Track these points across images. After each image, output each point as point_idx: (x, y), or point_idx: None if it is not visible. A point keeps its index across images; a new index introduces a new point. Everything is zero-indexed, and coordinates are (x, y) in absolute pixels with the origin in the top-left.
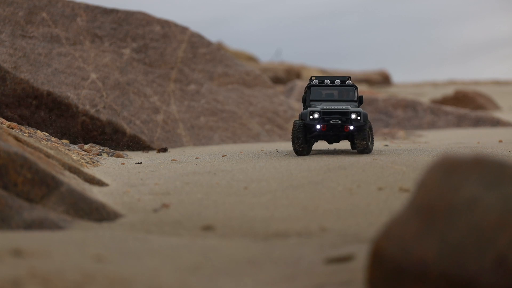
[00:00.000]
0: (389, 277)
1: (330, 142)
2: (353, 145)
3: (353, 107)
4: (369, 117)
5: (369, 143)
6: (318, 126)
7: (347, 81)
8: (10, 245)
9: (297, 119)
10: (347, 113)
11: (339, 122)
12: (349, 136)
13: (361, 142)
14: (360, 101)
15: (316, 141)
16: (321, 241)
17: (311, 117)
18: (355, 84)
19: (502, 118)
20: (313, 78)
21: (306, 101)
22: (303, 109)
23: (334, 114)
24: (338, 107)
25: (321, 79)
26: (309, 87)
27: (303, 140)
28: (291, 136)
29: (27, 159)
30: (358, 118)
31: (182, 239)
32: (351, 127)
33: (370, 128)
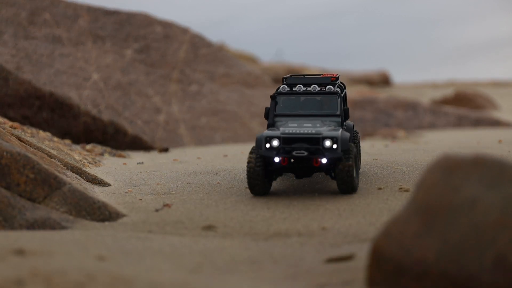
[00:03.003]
0: (389, 276)
1: (298, 177)
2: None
3: (330, 127)
4: (366, 123)
5: (354, 178)
6: (276, 159)
7: (327, 86)
8: (12, 244)
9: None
10: (317, 140)
11: (306, 153)
12: (323, 170)
13: (341, 180)
14: (344, 114)
15: (280, 175)
16: (321, 241)
17: (267, 145)
18: (343, 85)
19: (502, 118)
20: (284, 81)
21: (269, 116)
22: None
23: (298, 142)
24: (305, 131)
25: (293, 83)
26: (273, 96)
27: (262, 175)
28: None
29: (30, 159)
30: (334, 146)
31: (184, 239)
32: (323, 160)
33: (355, 156)
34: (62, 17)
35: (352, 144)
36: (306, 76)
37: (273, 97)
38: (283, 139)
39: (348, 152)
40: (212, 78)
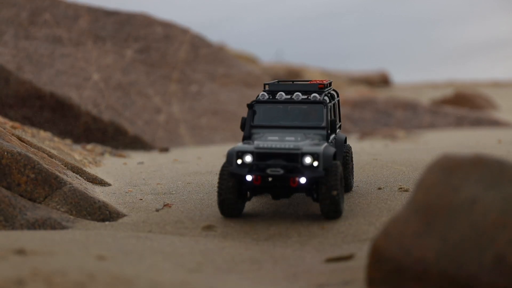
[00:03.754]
0: (389, 276)
1: (275, 197)
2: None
3: (313, 142)
4: (366, 123)
5: (340, 202)
6: (249, 178)
7: (312, 95)
8: (13, 244)
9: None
10: (295, 156)
11: (282, 172)
12: (303, 191)
13: (324, 203)
14: (331, 126)
15: (255, 195)
16: (321, 241)
17: (238, 161)
18: (335, 93)
19: (501, 118)
20: (265, 87)
21: (245, 127)
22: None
23: (274, 158)
24: (282, 145)
25: (274, 90)
26: (250, 105)
27: (234, 195)
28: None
29: (31, 159)
30: (315, 164)
31: (184, 239)
32: (302, 180)
33: (341, 176)
34: (62, 17)
35: (338, 162)
36: (293, 83)
37: (250, 106)
38: (256, 155)
39: (332, 172)
40: (212, 78)
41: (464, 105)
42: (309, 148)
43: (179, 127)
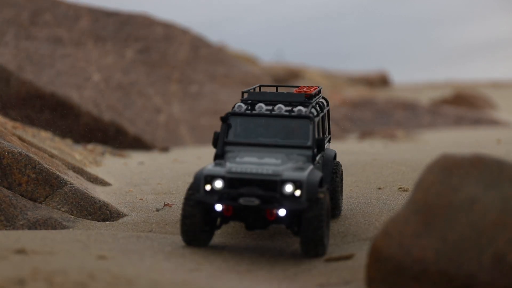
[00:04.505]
0: (389, 276)
1: (249, 228)
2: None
3: (295, 165)
4: (366, 123)
5: (324, 238)
6: (218, 207)
7: (297, 108)
8: (14, 244)
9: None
10: (274, 184)
11: (257, 202)
12: (282, 223)
13: (305, 239)
14: (318, 146)
15: (225, 223)
16: None
17: (207, 187)
18: (325, 102)
19: (501, 118)
20: (243, 96)
21: (218, 144)
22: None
23: (248, 184)
24: (259, 170)
25: (253, 100)
26: (224, 118)
27: (200, 224)
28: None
29: (31, 159)
30: (297, 193)
31: None
32: (281, 212)
33: (327, 208)
34: (63, 17)
35: (324, 190)
36: (277, 90)
37: (224, 119)
38: (228, 180)
39: (317, 204)
40: (212, 78)
41: (464, 105)
42: (291, 174)
43: (179, 127)
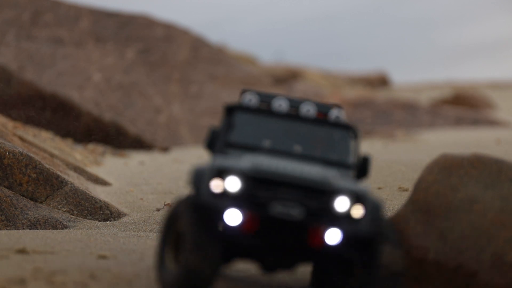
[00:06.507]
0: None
1: (268, 268)
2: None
3: (343, 177)
4: (366, 123)
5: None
6: (234, 216)
7: (333, 113)
8: (15, 244)
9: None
10: (322, 192)
11: (301, 213)
12: (320, 259)
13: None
14: (363, 164)
15: (233, 259)
16: None
17: (214, 186)
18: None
19: (500, 118)
20: (245, 93)
21: (216, 143)
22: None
23: (286, 187)
24: (299, 170)
25: (266, 99)
26: (230, 108)
27: (213, 248)
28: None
29: (32, 159)
30: (358, 213)
31: None
32: (335, 235)
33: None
34: (64, 18)
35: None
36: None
37: (229, 110)
38: (250, 180)
39: (389, 234)
40: (212, 78)
41: (463, 105)
42: (347, 184)
43: (179, 127)
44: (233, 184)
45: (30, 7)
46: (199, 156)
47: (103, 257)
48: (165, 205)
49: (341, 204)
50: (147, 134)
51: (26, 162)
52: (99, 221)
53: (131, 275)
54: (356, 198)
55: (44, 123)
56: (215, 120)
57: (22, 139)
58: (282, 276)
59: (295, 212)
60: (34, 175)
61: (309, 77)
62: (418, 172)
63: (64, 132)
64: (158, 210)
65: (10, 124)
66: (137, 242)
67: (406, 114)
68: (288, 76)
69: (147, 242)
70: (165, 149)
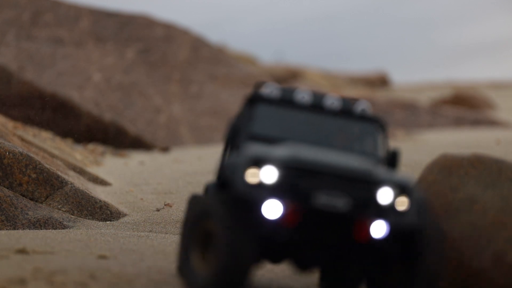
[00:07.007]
0: None
1: (305, 266)
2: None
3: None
4: None
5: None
6: (272, 209)
7: (359, 105)
8: (15, 244)
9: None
10: (365, 183)
11: (347, 204)
12: (363, 255)
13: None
14: (392, 159)
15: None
16: None
17: (250, 175)
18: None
19: (500, 119)
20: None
21: (236, 137)
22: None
23: (329, 177)
24: (340, 161)
25: (287, 92)
26: (251, 99)
27: (249, 246)
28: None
29: (32, 159)
30: (402, 205)
31: None
32: (381, 227)
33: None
34: (64, 18)
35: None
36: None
37: (252, 100)
38: (292, 169)
39: (433, 222)
40: (212, 78)
41: (463, 105)
42: (389, 175)
43: (179, 127)
44: (269, 174)
45: (30, 7)
46: (199, 156)
47: (103, 257)
48: (165, 205)
49: (385, 195)
50: (147, 134)
51: (26, 162)
52: (99, 221)
53: (131, 275)
54: (401, 189)
55: (44, 123)
56: (215, 120)
57: (22, 139)
58: (282, 277)
59: (340, 203)
60: (34, 175)
61: (309, 77)
62: (418, 172)
63: (64, 132)
64: (158, 210)
65: (10, 124)
66: (137, 242)
67: (406, 114)
68: (288, 76)
69: (147, 242)
70: (165, 149)
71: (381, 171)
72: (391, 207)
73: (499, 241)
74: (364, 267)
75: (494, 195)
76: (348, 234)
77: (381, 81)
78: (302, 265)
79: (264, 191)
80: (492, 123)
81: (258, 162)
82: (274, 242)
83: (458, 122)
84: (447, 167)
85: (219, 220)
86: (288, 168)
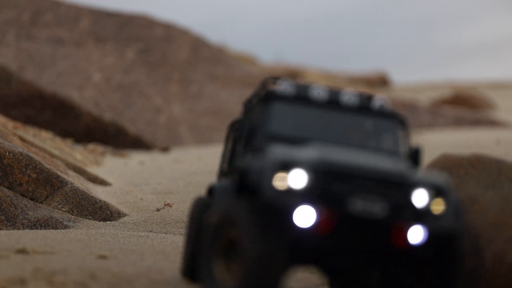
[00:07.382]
0: None
1: (334, 272)
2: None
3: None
4: None
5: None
6: (305, 216)
7: (377, 101)
8: (15, 244)
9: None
10: (400, 186)
11: (382, 210)
12: (401, 262)
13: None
14: (415, 156)
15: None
16: None
17: (279, 180)
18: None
19: (500, 119)
20: (275, 82)
21: (249, 137)
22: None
23: (363, 181)
24: (372, 163)
25: (302, 89)
26: (266, 97)
27: (279, 255)
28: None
29: (32, 159)
30: (439, 207)
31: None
32: (418, 233)
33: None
34: (64, 18)
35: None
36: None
37: (266, 98)
38: (324, 173)
39: (468, 227)
40: (212, 78)
41: (463, 105)
42: (423, 176)
43: (179, 127)
44: (299, 178)
45: (30, 7)
46: (199, 156)
47: (103, 257)
48: (165, 205)
49: (420, 198)
50: (147, 134)
51: (26, 162)
52: (99, 221)
53: (131, 275)
54: (436, 191)
55: (44, 123)
56: (215, 120)
57: (22, 139)
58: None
59: (377, 208)
60: (34, 175)
61: (309, 77)
62: None
63: (64, 132)
64: (158, 210)
65: (10, 124)
66: (137, 242)
67: (406, 114)
68: (288, 76)
69: (147, 242)
70: (165, 149)
71: (413, 171)
72: (427, 210)
73: (499, 241)
74: (398, 272)
75: (494, 195)
76: (385, 241)
77: (381, 81)
78: (332, 271)
79: (295, 197)
80: (492, 123)
81: (287, 166)
82: (306, 250)
83: (458, 122)
84: (447, 167)
85: (246, 229)
86: (318, 172)
